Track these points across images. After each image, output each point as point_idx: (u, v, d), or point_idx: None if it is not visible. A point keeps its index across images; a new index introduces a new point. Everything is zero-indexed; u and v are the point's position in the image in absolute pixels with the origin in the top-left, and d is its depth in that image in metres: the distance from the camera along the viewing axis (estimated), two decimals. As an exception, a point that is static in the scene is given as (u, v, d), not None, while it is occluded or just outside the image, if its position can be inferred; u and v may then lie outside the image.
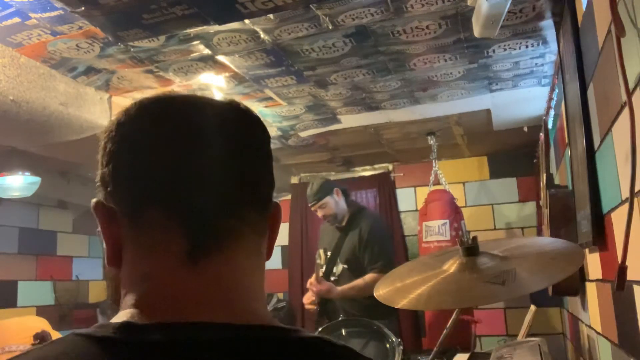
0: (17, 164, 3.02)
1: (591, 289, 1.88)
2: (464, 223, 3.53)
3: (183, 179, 0.52)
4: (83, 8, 1.74)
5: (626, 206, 1.01)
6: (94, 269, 4.32)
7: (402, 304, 1.24)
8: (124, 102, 2.58)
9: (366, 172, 4.55)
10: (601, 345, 1.75)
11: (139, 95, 1.64)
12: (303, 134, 3.46)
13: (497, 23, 1.62)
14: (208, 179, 0.53)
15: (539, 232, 3.69)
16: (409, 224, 4.32)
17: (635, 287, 1.16)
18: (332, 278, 3.11)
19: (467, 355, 1.96)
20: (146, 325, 0.48)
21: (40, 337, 2.58)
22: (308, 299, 3.10)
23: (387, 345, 2.37)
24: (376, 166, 4.51)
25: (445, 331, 1.56)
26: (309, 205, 3.20)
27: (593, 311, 1.87)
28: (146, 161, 0.53)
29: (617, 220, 1.30)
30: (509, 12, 1.78)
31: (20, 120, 2.21)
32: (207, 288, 0.51)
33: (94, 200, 0.56)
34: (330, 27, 2.00)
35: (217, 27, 1.94)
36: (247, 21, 1.92)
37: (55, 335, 2.65)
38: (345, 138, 3.60)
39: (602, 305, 1.68)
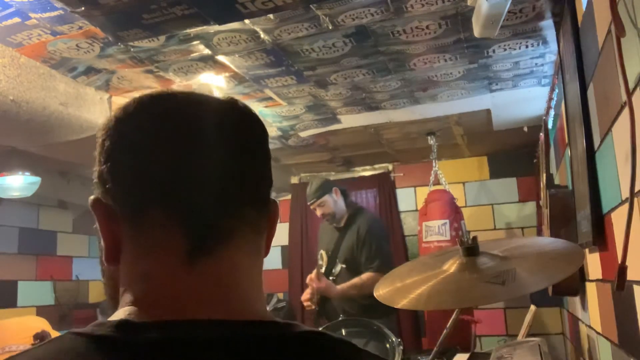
0: (17, 164, 3.02)
1: (591, 289, 1.88)
2: (464, 223, 3.53)
3: (183, 179, 0.52)
4: (83, 8, 1.74)
5: (626, 206, 1.01)
6: (94, 269, 4.32)
7: (402, 304, 1.24)
8: (124, 102, 2.57)
9: (366, 172, 4.55)
10: (601, 345, 1.75)
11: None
12: (303, 134, 3.46)
13: (497, 23, 1.62)
14: (208, 178, 0.52)
15: (539, 232, 3.69)
16: (409, 224, 4.32)
17: (635, 287, 1.16)
18: (331, 278, 3.12)
19: (467, 355, 1.96)
20: (144, 323, 0.48)
21: (40, 337, 2.59)
22: (306, 295, 3.11)
23: (387, 345, 2.37)
24: (376, 166, 4.51)
25: (445, 331, 1.56)
26: (308, 203, 3.21)
27: (593, 311, 1.87)
28: (146, 160, 0.53)
29: (617, 220, 1.30)
30: (509, 12, 1.78)
31: (20, 120, 2.21)
32: (206, 287, 0.51)
33: (92, 197, 0.55)
34: (330, 27, 2.00)
35: (217, 27, 1.94)
36: (247, 21, 1.92)
37: (55, 335, 2.65)
38: (345, 138, 3.60)
39: (602, 305, 1.68)
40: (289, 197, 4.64)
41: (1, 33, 1.92)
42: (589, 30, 1.43)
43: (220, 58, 2.24)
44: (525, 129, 3.36)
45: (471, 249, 1.28)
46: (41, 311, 3.75)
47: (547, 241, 1.65)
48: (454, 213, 3.47)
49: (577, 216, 1.84)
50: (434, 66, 2.45)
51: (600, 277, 1.66)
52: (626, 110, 1.00)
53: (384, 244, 3.14)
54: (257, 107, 2.92)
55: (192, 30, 1.96)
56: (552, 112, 2.71)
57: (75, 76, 2.34)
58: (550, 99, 2.71)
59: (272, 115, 3.07)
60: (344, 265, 3.10)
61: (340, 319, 2.64)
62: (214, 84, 2.52)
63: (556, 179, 2.77)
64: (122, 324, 0.48)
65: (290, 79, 2.53)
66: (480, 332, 3.49)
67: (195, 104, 0.57)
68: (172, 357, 0.46)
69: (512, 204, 4.09)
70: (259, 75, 2.47)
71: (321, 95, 2.79)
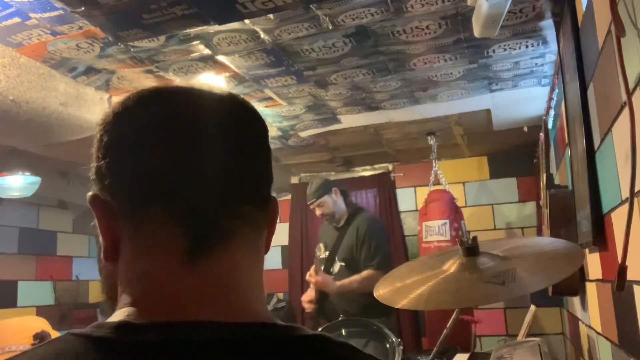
0: (17, 164, 3.02)
1: (591, 289, 1.88)
2: (464, 223, 3.53)
3: (183, 177, 0.51)
4: (83, 8, 1.74)
5: (626, 206, 1.01)
6: (94, 269, 4.25)
7: (402, 304, 1.24)
8: (124, 101, 2.57)
9: (366, 172, 4.55)
10: (601, 345, 1.75)
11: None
12: (303, 134, 3.46)
13: (497, 23, 1.62)
14: (208, 176, 0.52)
15: (539, 232, 3.69)
16: (409, 224, 4.32)
17: (635, 287, 1.16)
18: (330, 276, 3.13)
19: (467, 355, 1.96)
20: (144, 324, 0.48)
21: (40, 337, 2.59)
22: (307, 296, 3.11)
23: (387, 345, 2.37)
24: (376, 166, 4.51)
25: (445, 331, 1.56)
26: (308, 203, 3.24)
27: (593, 311, 1.87)
28: (145, 157, 0.52)
29: (617, 220, 1.30)
30: (509, 12, 1.78)
31: (20, 120, 2.21)
32: (207, 287, 0.51)
33: (90, 193, 0.54)
34: (330, 27, 2.00)
35: (217, 27, 1.94)
36: (247, 21, 1.92)
37: (55, 335, 2.64)
38: (345, 138, 3.60)
39: (602, 305, 1.68)
40: (289, 197, 4.64)
41: (1, 33, 1.92)
42: (589, 30, 1.43)
43: (220, 58, 2.24)
44: (525, 129, 3.36)
45: (471, 249, 1.28)
46: (41, 311, 3.75)
47: (547, 241, 1.65)
48: (454, 213, 3.47)
49: (577, 216, 1.84)
50: (434, 66, 2.45)
51: (600, 277, 1.66)
52: (626, 110, 1.00)
53: (383, 243, 3.15)
54: (257, 107, 2.89)
55: (192, 30, 1.96)
56: (552, 112, 2.71)
57: (75, 76, 2.34)
58: (550, 99, 2.71)
59: (272, 115, 3.07)
60: (343, 264, 3.11)
61: (340, 319, 2.64)
62: (214, 84, 2.52)
63: (556, 179, 2.77)
64: (121, 325, 0.48)
65: (290, 79, 2.53)
66: (480, 332, 3.49)
67: (195, 100, 0.56)
68: (172, 356, 0.46)
69: (512, 204, 4.09)
70: (259, 75, 2.47)
71: (321, 95, 2.79)
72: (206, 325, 0.48)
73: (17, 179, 3.08)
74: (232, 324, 0.49)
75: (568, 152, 2.07)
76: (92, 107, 2.46)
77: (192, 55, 2.20)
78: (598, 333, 1.79)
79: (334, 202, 3.14)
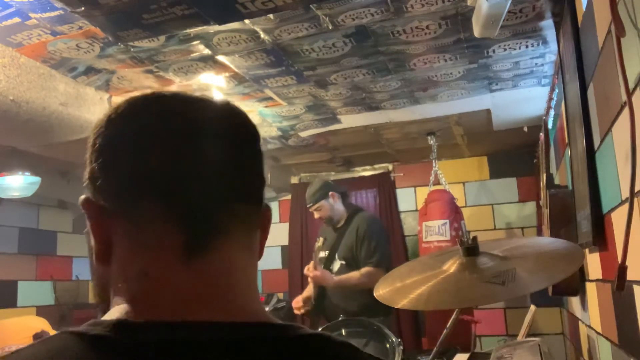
0: (17, 164, 3.02)
1: (591, 289, 1.88)
2: (464, 223, 3.53)
3: (177, 174, 0.51)
4: (83, 8, 1.74)
5: (626, 206, 1.01)
6: (93, 269, 4.31)
7: (402, 304, 1.24)
8: (124, 102, 2.58)
9: (366, 172, 4.55)
10: (601, 345, 1.75)
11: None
12: (303, 134, 3.46)
13: (497, 23, 1.62)
14: (202, 175, 0.52)
15: (539, 232, 3.69)
16: (409, 224, 4.32)
17: (635, 287, 1.16)
18: None
19: (467, 355, 1.96)
20: (143, 323, 0.47)
21: (40, 337, 2.58)
22: (296, 302, 3.14)
23: (387, 345, 2.37)
24: (376, 166, 4.51)
25: (445, 331, 1.56)
26: (307, 206, 3.25)
27: (593, 311, 1.87)
28: (139, 155, 0.52)
29: (617, 220, 1.30)
30: (509, 12, 1.78)
31: (20, 120, 2.21)
32: (204, 286, 0.51)
33: (83, 196, 0.55)
34: (330, 27, 2.00)
35: (217, 27, 1.94)
36: (247, 21, 1.92)
37: (55, 335, 2.64)
38: (345, 138, 3.60)
39: (602, 305, 1.68)
40: (289, 197, 4.64)
41: (1, 33, 1.92)
42: (589, 30, 1.43)
43: (220, 58, 2.24)
44: (525, 129, 3.36)
45: (471, 249, 1.28)
46: (41, 311, 3.75)
47: (547, 241, 1.65)
48: (454, 213, 3.47)
49: (577, 216, 1.84)
50: (434, 66, 2.45)
51: (600, 277, 1.66)
52: (626, 110, 1.00)
53: (383, 241, 3.15)
54: (257, 107, 2.92)
55: (192, 30, 1.96)
56: (552, 112, 2.71)
57: (75, 76, 2.34)
58: (550, 99, 2.71)
59: (272, 115, 3.07)
60: (343, 262, 3.11)
61: (340, 319, 2.64)
62: (214, 84, 2.52)
63: (556, 179, 2.77)
64: (119, 323, 0.47)
65: (290, 79, 2.53)
66: (480, 332, 3.48)
67: (187, 103, 0.56)
68: (173, 357, 0.46)
69: (512, 204, 4.09)
70: (259, 75, 2.47)
71: (321, 95, 2.79)
72: (207, 325, 0.48)
73: (17, 179, 3.08)
74: (233, 323, 0.49)
75: (568, 152, 2.07)
76: (92, 107, 2.46)
77: (192, 55, 2.20)
78: (598, 333, 1.79)
79: (332, 206, 3.15)
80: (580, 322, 2.37)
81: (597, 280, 1.73)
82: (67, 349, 0.46)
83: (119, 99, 2.77)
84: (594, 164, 1.49)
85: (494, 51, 2.30)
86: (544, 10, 1.93)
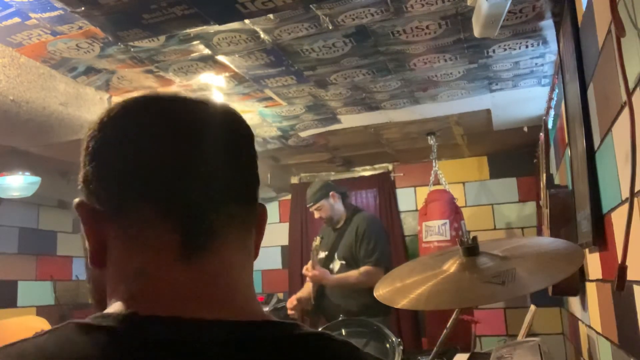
0: (17, 164, 3.02)
1: (591, 289, 1.88)
2: (464, 223, 3.54)
3: (172, 174, 0.52)
4: (83, 8, 1.74)
5: (626, 206, 1.01)
6: (94, 269, 4.31)
7: (402, 304, 1.24)
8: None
9: (366, 172, 4.55)
10: (601, 345, 1.75)
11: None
12: (303, 134, 3.46)
13: (497, 23, 1.62)
14: (197, 174, 0.52)
15: (539, 232, 3.69)
16: (409, 224, 4.32)
17: (635, 287, 1.16)
18: None
19: (467, 355, 1.96)
20: (150, 317, 0.47)
21: (40, 337, 2.58)
22: (290, 303, 3.14)
23: (387, 345, 2.37)
24: (376, 166, 4.51)
25: (445, 331, 1.56)
26: (307, 206, 3.25)
27: (593, 311, 1.87)
28: (134, 157, 0.52)
29: (617, 220, 1.30)
30: (509, 12, 1.78)
31: (20, 120, 2.21)
32: (204, 285, 0.51)
33: (76, 200, 0.55)
34: (330, 27, 2.00)
35: (217, 27, 1.94)
36: (247, 21, 1.92)
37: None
38: (345, 138, 3.60)
39: (602, 305, 1.68)
40: (289, 197, 4.64)
41: (1, 33, 1.92)
42: (589, 30, 1.43)
43: (220, 58, 2.24)
44: (525, 129, 3.36)
45: (471, 249, 1.28)
46: (41, 311, 3.75)
47: (547, 241, 1.65)
48: (454, 213, 3.47)
49: (577, 216, 1.84)
50: (434, 66, 2.45)
51: (600, 277, 1.66)
52: (626, 110, 1.00)
53: (382, 240, 3.16)
54: (257, 107, 2.92)
55: (192, 30, 1.96)
56: (552, 112, 2.71)
57: (75, 76, 2.34)
58: (550, 99, 2.71)
59: (272, 115, 3.07)
60: (343, 262, 3.12)
61: (340, 319, 2.64)
62: (214, 84, 2.52)
63: (556, 179, 2.77)
64: (129, 316, 0.47)
65: (290, 79, 2.53)
66: (480, 332, 3.49)
67: (180, 105, 0.56)
68: (180, 355, 0.46)
69: (512, 204, 4.10)
70: (259, 75, 2.47)
71: (321, 95, 2.79)
72: (211, 323, 0.48)
73: (17, 179, 3.08)
74: (235, 322, 0.49)
75: (568, 152, 2.07)
76: (92, 107, 2.46)
77: (192, 55, 2.20)
78: (598, 333, 1.79)
79: (332, 206, 3.16)
80: (580, 322, 2.37)
81: (597, 280, 1.73)
82: (74, 342, 0.46)
83: (119, 99, 2.77)
84: (594, 164, 1.49)
85: (494, 51, 2.30)
86: (544, 10, 1.93)
